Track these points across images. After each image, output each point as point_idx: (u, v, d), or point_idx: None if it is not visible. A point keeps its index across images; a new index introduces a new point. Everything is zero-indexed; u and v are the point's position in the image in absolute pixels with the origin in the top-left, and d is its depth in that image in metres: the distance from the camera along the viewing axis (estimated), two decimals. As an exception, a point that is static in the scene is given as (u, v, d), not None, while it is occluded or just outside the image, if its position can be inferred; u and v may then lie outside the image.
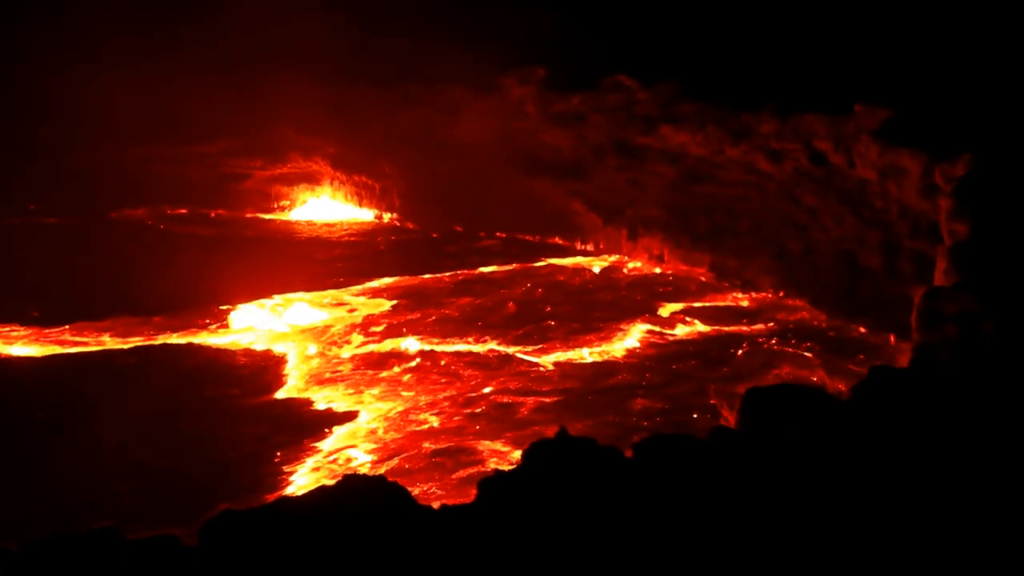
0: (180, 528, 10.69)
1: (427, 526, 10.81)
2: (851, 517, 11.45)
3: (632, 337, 33.01)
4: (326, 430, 26.31)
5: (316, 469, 23.96)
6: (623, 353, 31.83)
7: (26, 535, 10.49)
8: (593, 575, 10.50)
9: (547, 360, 31.17)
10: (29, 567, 9.80)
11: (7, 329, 33.61)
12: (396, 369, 30.74)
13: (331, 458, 24.59)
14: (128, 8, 47.84)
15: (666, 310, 35.73)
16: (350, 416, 27.21)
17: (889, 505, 11.70)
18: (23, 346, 32.28)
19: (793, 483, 11.77)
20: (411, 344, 32.85)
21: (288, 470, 23.90)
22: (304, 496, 11.27)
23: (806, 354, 31.03)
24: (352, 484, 11.31)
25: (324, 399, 28.50)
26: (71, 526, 10.38)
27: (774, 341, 32.29)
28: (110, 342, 32.67)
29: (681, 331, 33.75)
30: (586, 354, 31.70)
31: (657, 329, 33.77)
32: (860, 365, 27.83)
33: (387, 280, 40.25)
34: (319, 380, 30.09)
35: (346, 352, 32.46)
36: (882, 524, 11.43)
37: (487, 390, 28.77)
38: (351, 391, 29.16)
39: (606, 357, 31.46)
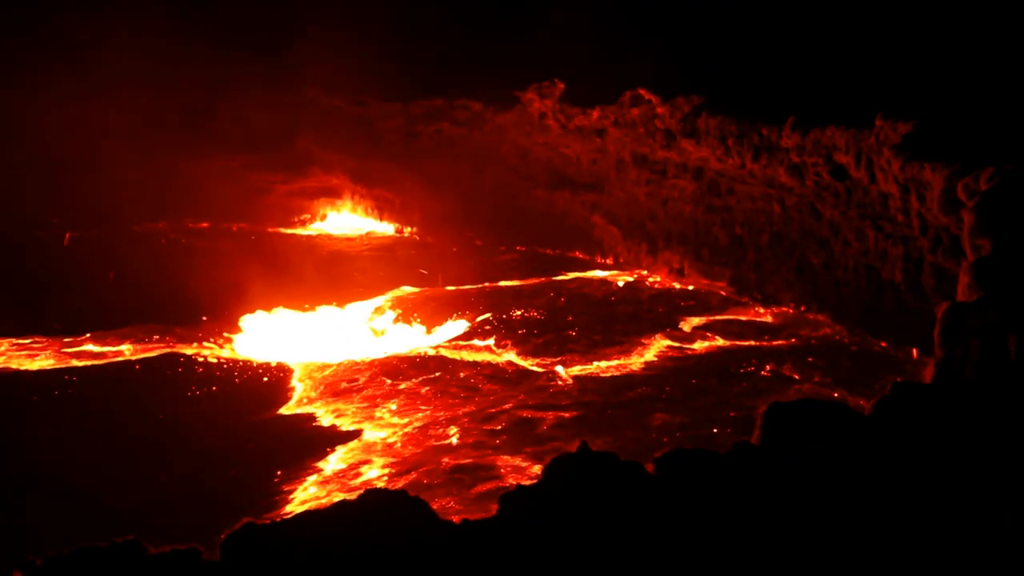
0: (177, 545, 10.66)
1: (449, 541, 10.79)
2: (875, 533, 11.37)
3: (652, 351, 32.97)
4: (340, 444, 26.27)
5: (325, 483, 23.87)
6: (643, 366, 31.78)
7: (27, 549, 10.50)
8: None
9: (567, 373, 31.14)
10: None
11: (28, 341, 33.83)
12: (414, 380, 30.75)
13: (348, 472, 24.52)
14: (148, 22, 48.23)
15: (687, 324, 35.70)
16: (365, 430, 27.16)
17: (914, 521, 11.62)
18: (42, 360, 32.44)
19: (816, 498, 11.70)
20: (430, 356, 32.88)
21: (300, 484, 23.84)
22: (326, 510, 11.25)
23: (828, 368, 30.89)
24: (373, 499, 11.29)
25: (340, 412, 28.48)
26: (72, 541, 10.35)
27: (796, 355, 32.16)
28: (127, 353, 32.80)
29: (701, 345, 33.68)
30: (606, 367, 31.70)
31: (677, 344, 33.72)
32: (882, 380, 27.70)
33: (407, 289, 40.39)
34: (335, 392, 30.10)
35: (363, 365, 32.48)
36: (907, 540, 11.35)
37: (507, 405, 28.74)
38: (366, 404, 29.14)
39: (625, 371, 31.42)
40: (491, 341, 34.24)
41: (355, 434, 26.89)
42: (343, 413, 28.40)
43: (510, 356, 32.77)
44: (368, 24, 47.30)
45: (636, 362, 32.10)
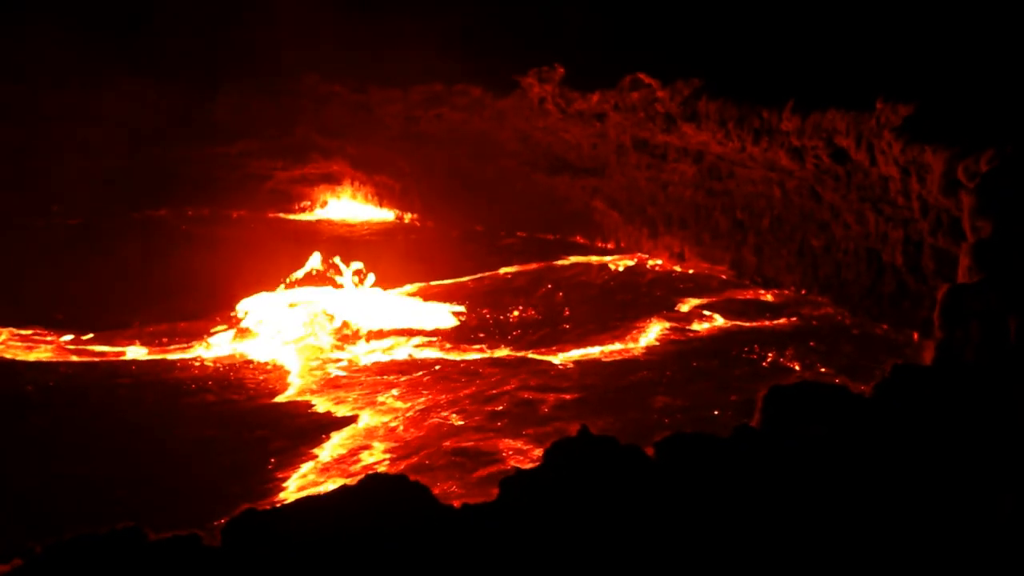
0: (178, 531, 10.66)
1: (449, 526, 10.82)
2: (876, 515, 11.39)
3: (652, 334, 33.01)
4: (339, 429, 26.28)
5: (325, 469, 23.88)
6: (643, 350, 31.81)
7: (25, 538, 10.53)
8: (616, 574, 10.49)
9: (567, 359, 31.15)
10: (54, 566, 9.86)
11: (29, 332, 33.82)
12: (416, 374, 30.67)
13: (347, 458, 24.54)
14: (145, 14, 48.09)
15: (686, 305, 35.77)
16: (366, 416, 27.16)
17: (914, 504, 11.64)
18: (40, 352, 32.38)
19: (817, 481, 11.72)
20: (431, 348, 32.85)
21: (297, 471, 23.89)
22: (326, 495, 11.30)
23: (829, 352, 30.89)
24: (374, 483, 11.32)
25: (340, 400, 28.48)
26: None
27: (796, 339, 32.15)
28: (129, 352, 32.74)
29: (702, 329, 33.70)
30: (607, 351, 31.75)
31: (678, 326, 33.75)
32: (883, 363, 27.64)
33: (409, 287, 40.24)
34: (335, 383, 30.12)
35: (364, 356, 32.41)
36: (907, 523, 11.37)
37: (508, 387, 28.72)
38: (367, 391, 29.13)
39: (627, 355, 31.45)
40: (493, 329, 34.28)
41: (355, 420, 26.91)
42: (343, 400, 28.42)
43: (512, 346, 32.74)
44: (366, 10, 47.23)
45: (636, 345, 32.14)
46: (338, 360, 32.04)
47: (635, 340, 32.54)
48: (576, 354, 31.55)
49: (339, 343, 33.30)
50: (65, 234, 47.05)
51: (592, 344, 32.29)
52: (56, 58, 47.61)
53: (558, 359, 31.19)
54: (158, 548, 10.21)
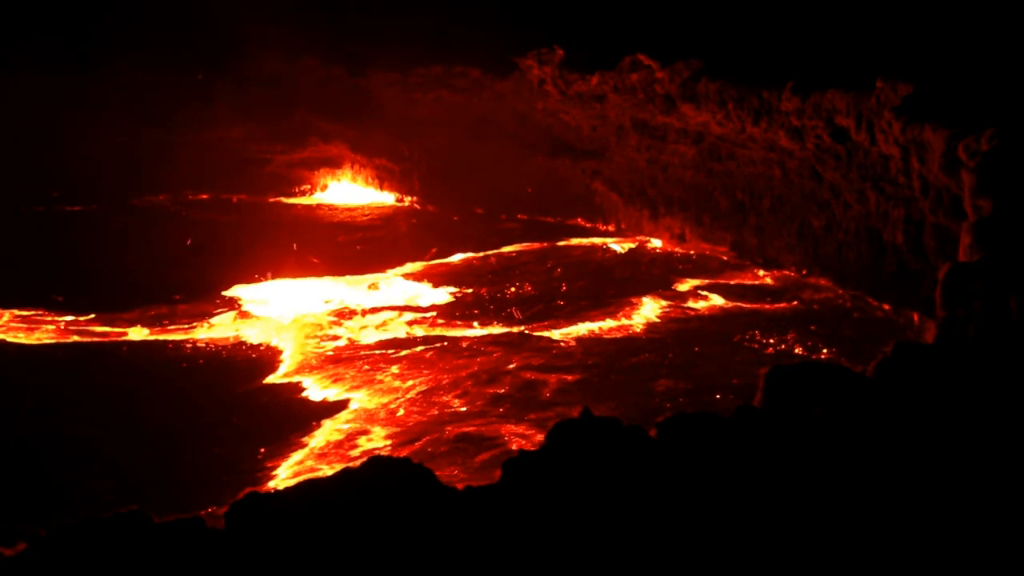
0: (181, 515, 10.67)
1: (452, 507, 10.84)
2: (878, 493, 11.41)
3: (652, 315, 33.07)
4: (337, 413, 26.16)
5: (323, 455, 23.74)
6: (643, 327, 31.90)
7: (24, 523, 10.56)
8: (619, 554, 10.51)
9: (569, 338, 31.17)
10: (60, 549, 9.89)
11: (32, 313, 33.80)
12: (419, 348, 30.68)
13: (344, 443, 24.38)
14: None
15: (686, 285, 35.83)
16: (364, 401, 26.99)
17: (918, 483, 11.65)
18: (40, 334, 32.33)
19: (819, 459, 11.74)
20: (432, 328, 32.86)
21: (294, 456, 23.78)
22: (330, 478, 11.30)
23: (830, 335, 30.86)
24: (377, 466, 11.34)
25: (338, 376, 28.44)
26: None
27: (798, 322, 32.12)
28: (130, 333, 32.70)
29: (703, 311, 33.71)
30: (608, 326, 31.91)
31: (679, 307, 33.77)
32: (885, 343, 27.61)
33: (409, 266, 40.25)
34: (335, 360, 30.07)
35: (365, 336, 32.38)
36: (910, 503, 11.38)
37: (510, 365, 28.72)
38: (367, 368, 29.09)
39: (626, 333, 31.53)
40: (495, 310, 34.29)
41: (353, 403, 26.78)
42: (341, 377, 28.35)
43: (514, 326, 32.78)
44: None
45: (636, 322, 32.26)
46: (336, 338, 31.95)
47: (636, 319, 32.68)
48: (578, 335, 31.54)
49: (336, 321, 33.32)
50: (65, 220, 47.02)
51: (592, 320, 32.49)
52: (55, 45, 47.54)
53: (560, 339, 31.15)
54: (163, 531, 10.24)
